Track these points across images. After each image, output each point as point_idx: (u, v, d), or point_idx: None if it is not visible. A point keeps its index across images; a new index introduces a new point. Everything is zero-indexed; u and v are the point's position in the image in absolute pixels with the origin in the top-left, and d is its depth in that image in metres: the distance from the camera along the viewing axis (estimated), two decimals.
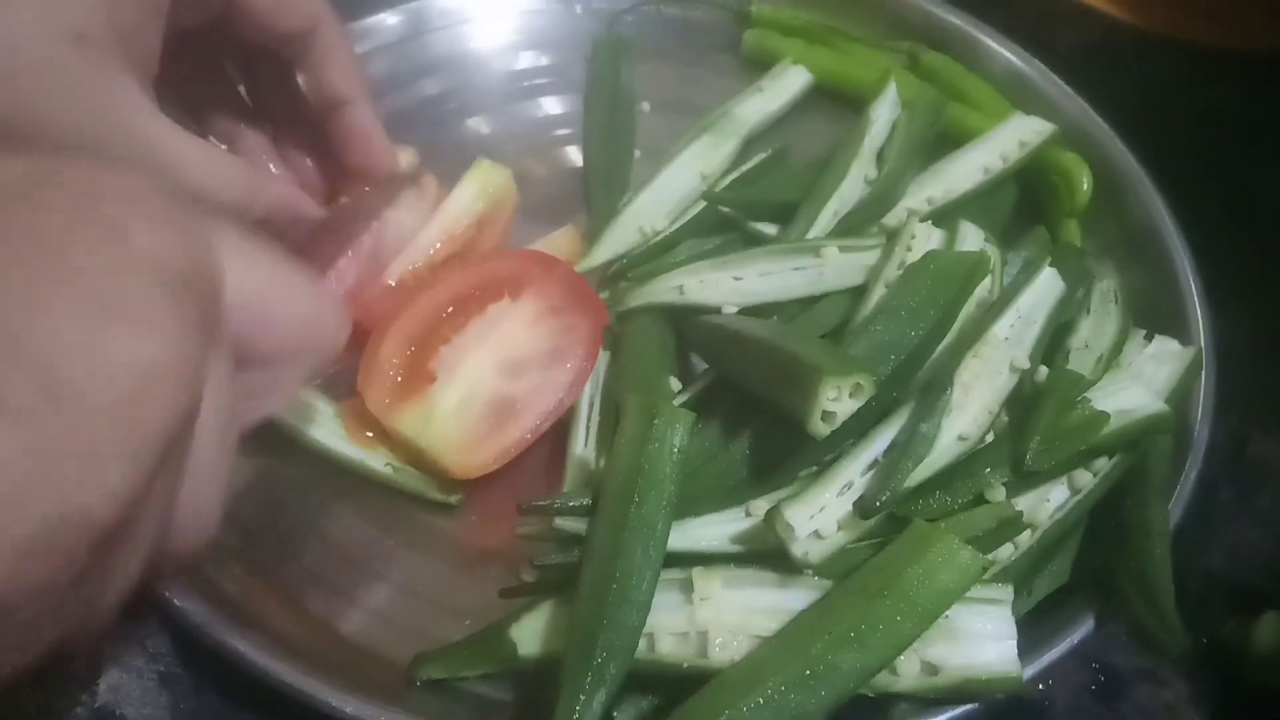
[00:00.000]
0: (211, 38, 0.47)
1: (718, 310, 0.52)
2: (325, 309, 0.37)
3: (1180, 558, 0.46)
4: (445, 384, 0.51)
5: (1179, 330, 0.55)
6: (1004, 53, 0.69)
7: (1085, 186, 0.61)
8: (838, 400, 0.41)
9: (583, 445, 0.50)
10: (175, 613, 0.42)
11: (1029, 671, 0.42)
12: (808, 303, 0.52)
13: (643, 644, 0.40)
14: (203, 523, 0.32)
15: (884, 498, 0.41)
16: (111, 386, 0.24)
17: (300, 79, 0.50)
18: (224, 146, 0.51)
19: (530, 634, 0.42)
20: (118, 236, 0.26)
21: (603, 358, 0.53)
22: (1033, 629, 0.44)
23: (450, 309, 0.53)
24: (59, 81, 0.37)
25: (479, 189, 0.58)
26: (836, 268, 0.53)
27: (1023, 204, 0.63)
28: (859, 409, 0.41)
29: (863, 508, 0.41)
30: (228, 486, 0.32)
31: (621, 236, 0.59)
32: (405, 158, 0.56)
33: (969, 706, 0.41)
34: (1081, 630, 0.44)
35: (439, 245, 0.56)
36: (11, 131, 0.37)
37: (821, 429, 0.41)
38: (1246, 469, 0.56)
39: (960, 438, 0.44)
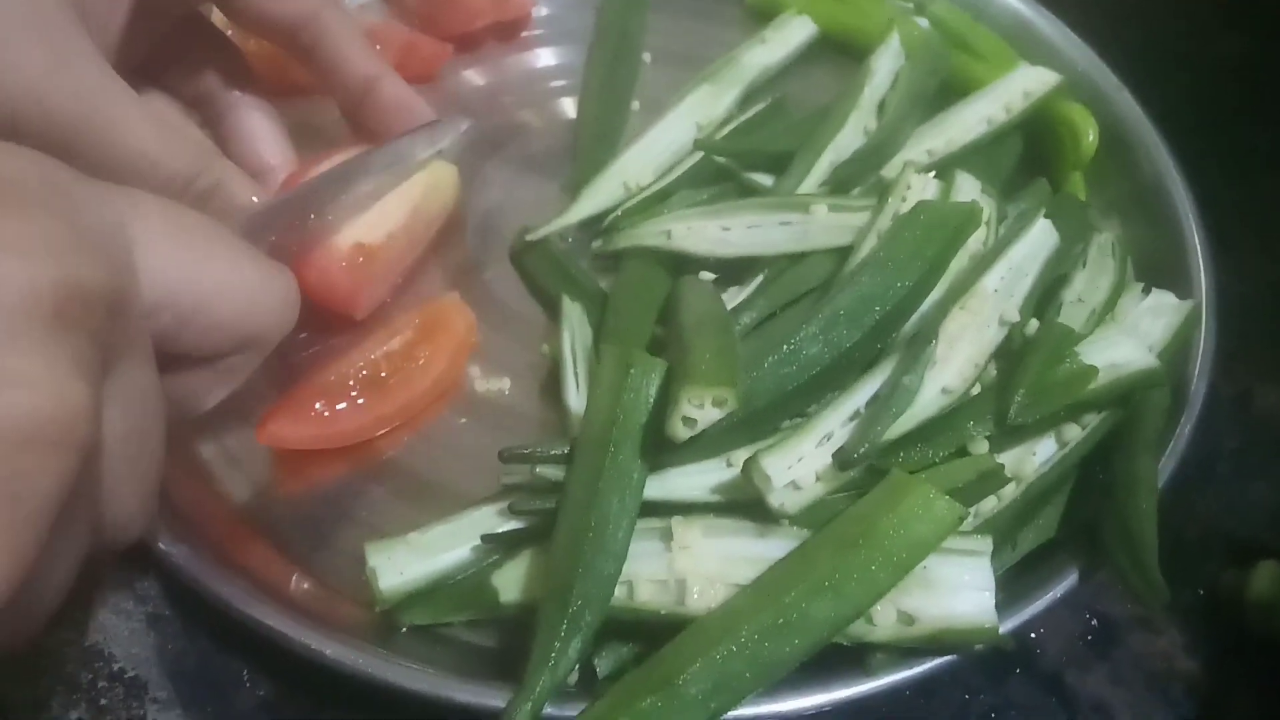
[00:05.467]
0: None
1: (702, 258, 0.52)
2: (266, 293, 0.35)
3: (1181, 508, 0.46)
4: None
5: (1182, 284, 0.54)
6: (1011, 1, 0.67)
7: (1091, 139, 0.59)
8: (701, 409, 0.40)
9: (575, 393, 0.50)
10: (162, 556, 0.42)
11: (1010, 624, 0.42)
12: (795, 259, 0.52)
13: (622, 591, 0.41)
14: (135, 519, 0.30)
15: (863, 449, 0.40)
16: None
17: (318, 70, 0.49)
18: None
19: (511, 581, 0.42)
20: None
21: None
22: (1017, 582, 0.44)
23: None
24: (14, 14, 0.36)
25: (430, 184, 0.54)
26: (823, 226, 0.52)
27: (1028, 156, 0.61)
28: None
29: (841, 459, 0.41)
30: (160, 475, 0.31)
31: (604, 192, 0.57)
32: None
33: (948, 658, 0.41)
34: (1065, 584, 0.44)
35: (398, 223, 0.52)
36: None
37: (680, 432, 0.40)
38: (1250, 421, 0.56)
39: (944, 390, 0.44)
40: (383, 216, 0.52)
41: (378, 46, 0.58)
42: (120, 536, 0.30)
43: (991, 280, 0.47)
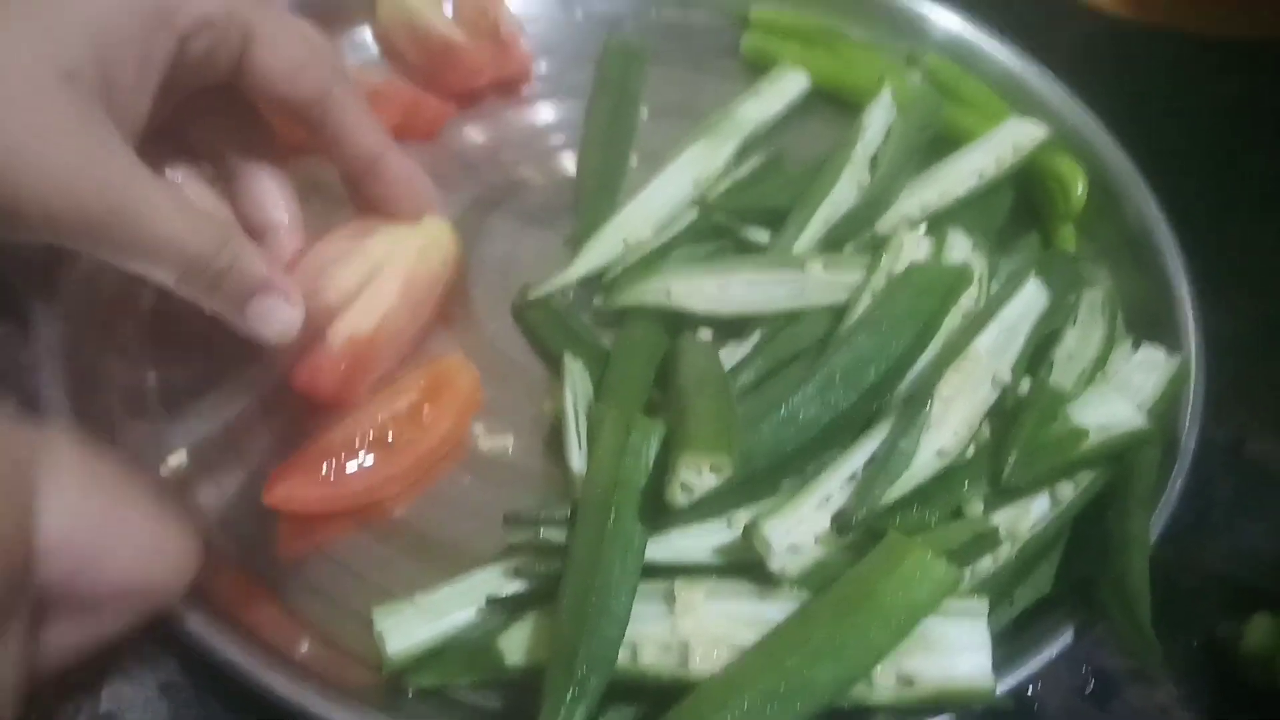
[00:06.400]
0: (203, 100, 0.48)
1: (701, 317, 0.52)
2: (159, 558, 0.34)
3: (1175, 559, 0.46)
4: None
5: (1172, 335, 0.55)
6: (1001, 53, 0.69)
7: (1080, 191, 0.61)
8: (698, 475, 0.41)
9: (577, 453, 0.50)
10: (174, 623, 0.43)
11: (1009, 682, 0.43)
12: (792, 316, 0.53)
13: (625, 654, 0.41)
14: None
15: (860, 514, 0.41)
16: None
17: (324, 141, 0.51)
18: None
19: (517, 643, 0.43)
20: None
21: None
22: (1015, 639, 0.45)
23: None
24: (42, 114, 0.38)
25: (424, 246, 0.54)
26: (818, 284, 0.53)
27: (1019, 208, 0.63)
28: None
29: (840, 523, 0.42)
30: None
31: (604, 248, 0.58)
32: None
33: (947, 717, 0.42)
34: (1062, 640, 0.44)
35: (390, 308, 0.52)
36: None
37: (678, 499, 0.41)
38: (1243, 469, 0.57)
39: (939, 453, 0.45)
40: (375, 299, 0.52)
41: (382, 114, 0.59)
42: None
43: (984, 342, 0.48)
